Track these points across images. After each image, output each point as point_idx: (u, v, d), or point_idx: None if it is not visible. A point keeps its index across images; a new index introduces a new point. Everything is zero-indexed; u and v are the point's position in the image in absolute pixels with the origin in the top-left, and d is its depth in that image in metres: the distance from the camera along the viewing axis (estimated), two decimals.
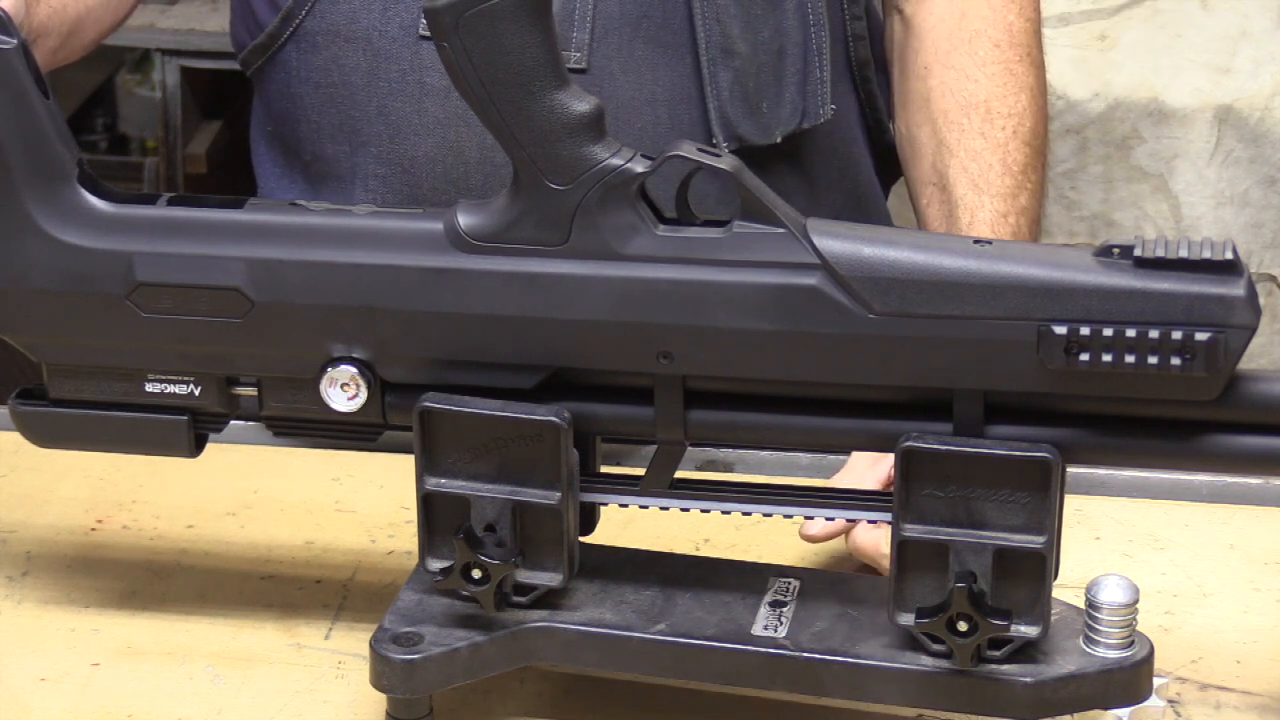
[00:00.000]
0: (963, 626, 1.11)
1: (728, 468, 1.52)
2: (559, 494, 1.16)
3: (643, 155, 1.13)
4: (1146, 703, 1.16)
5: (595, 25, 1.57)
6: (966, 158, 1.60)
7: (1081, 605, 1.16)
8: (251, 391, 1.22)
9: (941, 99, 1.63)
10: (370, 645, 1.18)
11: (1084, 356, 1.09)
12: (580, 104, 1.12)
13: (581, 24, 1.57)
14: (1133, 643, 1.15)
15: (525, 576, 1.18)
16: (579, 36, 1.57)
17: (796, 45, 1.60)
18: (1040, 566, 1.12)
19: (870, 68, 1.71)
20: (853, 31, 1.69)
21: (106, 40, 1.60)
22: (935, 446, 1.11)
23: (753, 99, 1.59)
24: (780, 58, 1.60)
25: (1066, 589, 1.21)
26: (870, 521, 1.20)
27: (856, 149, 1.73)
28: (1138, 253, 1.09)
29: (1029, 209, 1.60)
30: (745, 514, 1.20)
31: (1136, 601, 1.14)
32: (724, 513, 1.20)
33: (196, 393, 1.22)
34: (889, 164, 1.76)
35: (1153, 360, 1.08)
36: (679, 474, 1.19)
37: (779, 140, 1.61)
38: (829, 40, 1.62)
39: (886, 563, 1.33)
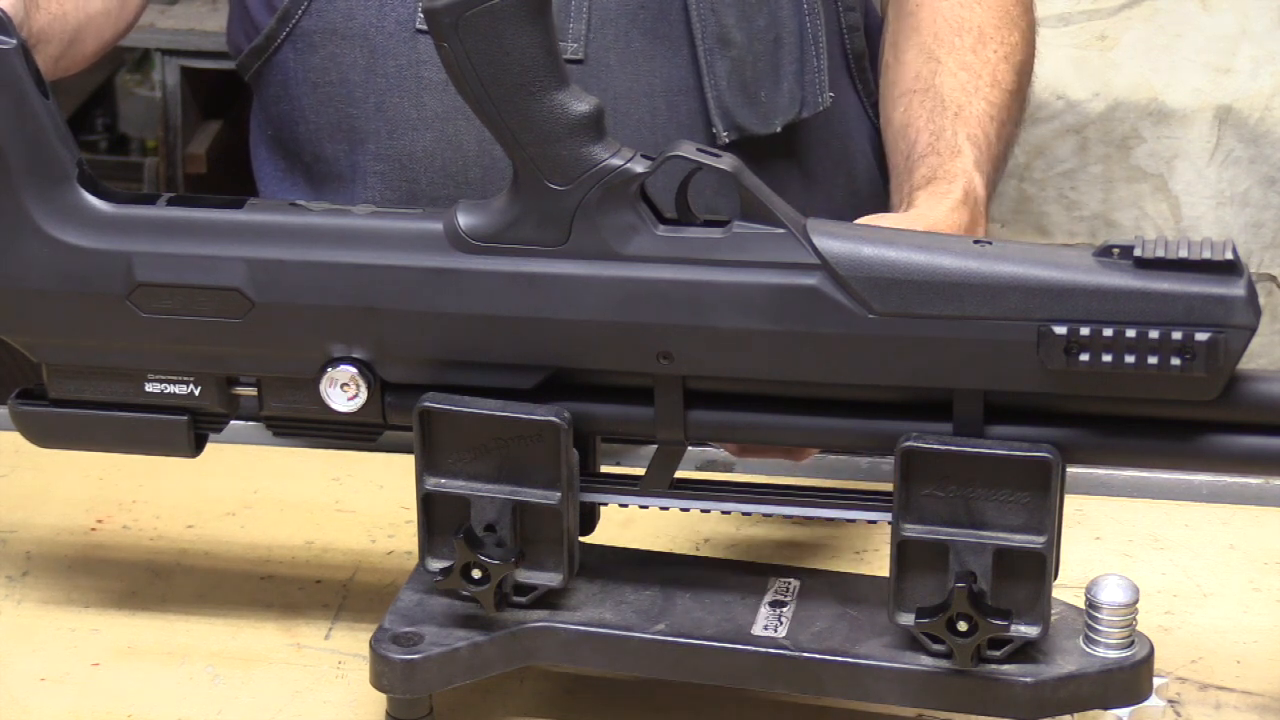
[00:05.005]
0: (963, 626, 1.11)
1: (728, 468, 1.51)
2: (559, 494, 1.16)
3: (643, 155, 1.13)
4: (1146, 703, 1.16)
5: (592, 17, 1.57)
6: (956, 67, 1.56)
7: (1081, 605, 1.16)
8: (251, 391, 1.22)
9: (933, 24, 1.59)
10: (370, 645, 1.18)
11: (1084, 357, 1.09)
12: (580, 104, 1.12)
13: (578, 16, 1.57)
14: (1133, 643, 1.15)
15: (525, 576, 1.18)
16: (575, 28, 1.57)
17: (792, 34, 1.60)
18: (1040, 566, 1.12)
19: (867, 59, 1.71)
20: (847, 23, 1.68)
21: None
22: (935, 446, 1.11)
23: (751, 88, 1.59)
24: (777, 46, 1.60)
25: (1066, 589, 1.21)
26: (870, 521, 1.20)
27: (856, 140, 1.73)
28: (1138, 253, 1.09)
29: (1006, 137, 1.57)
30: (745, 514, 1.20)
31: (1136, 601, 1.14)
32: (724, 513, 1.20)
33: (196, 393, 1.22)
34: None
35: (1153, 360, 1.08)
36: (679, 474, 1.19)
37: (779, 129, 1.60)
38: (825, 29, 1.62)
39: None
